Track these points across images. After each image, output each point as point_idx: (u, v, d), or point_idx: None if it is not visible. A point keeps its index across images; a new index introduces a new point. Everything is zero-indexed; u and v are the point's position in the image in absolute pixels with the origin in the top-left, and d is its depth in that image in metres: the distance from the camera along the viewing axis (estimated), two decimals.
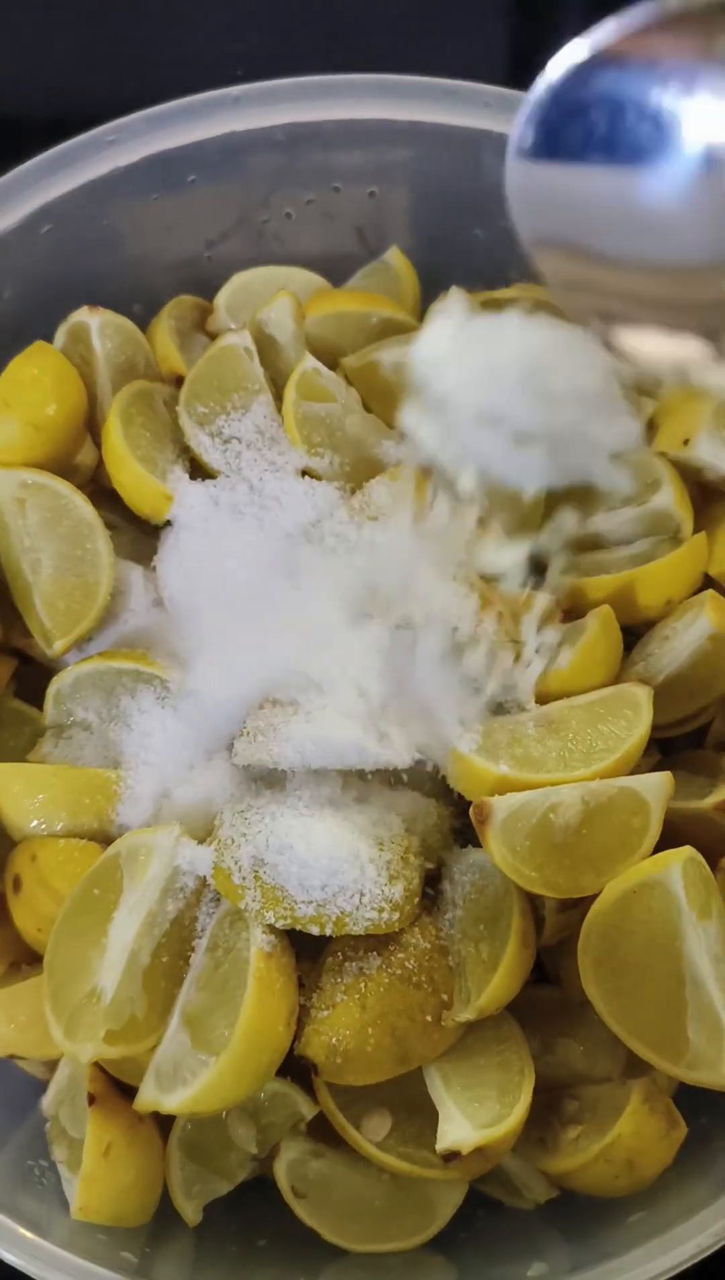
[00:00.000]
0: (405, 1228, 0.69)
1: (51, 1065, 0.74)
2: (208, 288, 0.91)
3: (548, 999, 0.73)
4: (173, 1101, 0.64)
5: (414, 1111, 0.69)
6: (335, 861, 0.65)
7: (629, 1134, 0.65)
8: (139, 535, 0.83)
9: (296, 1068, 0.67)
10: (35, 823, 0.72)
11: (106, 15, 1.19)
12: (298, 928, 0.65)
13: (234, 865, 0.66)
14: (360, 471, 0.79)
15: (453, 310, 0.82)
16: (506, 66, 1.25)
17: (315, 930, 0.65)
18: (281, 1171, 0.70)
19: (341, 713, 0.68)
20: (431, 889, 0.71)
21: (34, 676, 0.82)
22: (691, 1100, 0.68)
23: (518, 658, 0.71)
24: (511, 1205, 0.72)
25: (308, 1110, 0.69)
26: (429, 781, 0.73)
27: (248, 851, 0.66)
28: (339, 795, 0.69)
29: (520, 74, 1.25)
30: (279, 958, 0.66)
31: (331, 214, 0.90)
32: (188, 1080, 0.63)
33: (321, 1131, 0.70)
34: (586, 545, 0.82)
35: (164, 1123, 0.70)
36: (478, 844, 0.68)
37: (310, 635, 0.72)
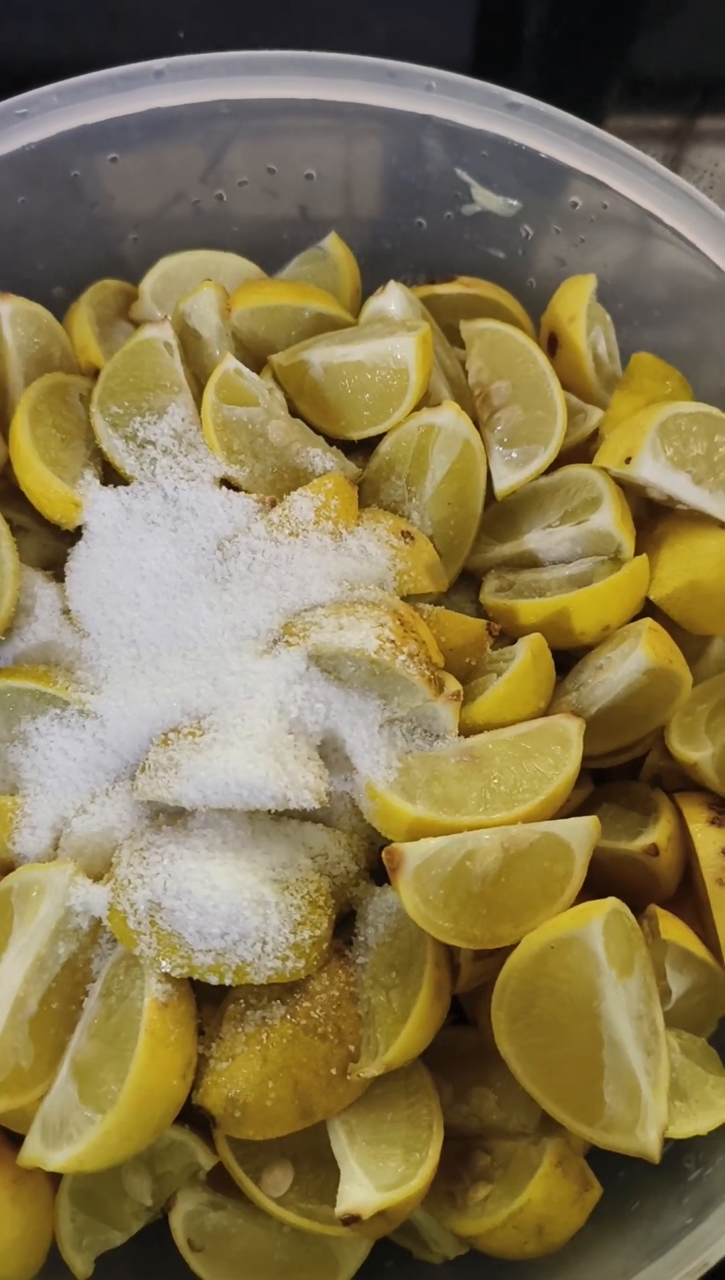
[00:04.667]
0: None
1: None
2: (133, 269, 0.85)
3: (465, 1042, 0.70)
4: (58, 1159, 0.60)
5: (318, 1163, 0.65)
6: (236, 908, 0.61)
7: (539, 1199, 0.62)
8: (50, 539, 0.78)
9: (195, 1115, 0.64)
10: None
11: None
12: (195, 976, 0.61)
13: (130, 908, 0.62)
14: (283, 481, 0.74)
15: (390, 307, 0.78)
16: (472, 33, 1.19)
17: (214, 980, 0.61)
18: (177, 1224, 0.66)
19: (250, 746, 0.63)
20: (342, 930, 0.68)
21: None
22: (609, 1153, 0.65)
23: (439, 688, 0.67)
24: (420, 1258, 0.69)
25: (206, 1161, 0.66)
26: (344, 815, 0.69)
27: (144, 895, 0.62)
28: (245, 833, 0.65)
29: (459, 43, 1.19)
30: (175, 1007, 0.62)
31: (268, 197, 0.85)
32: (74, 1137, 0.60)
33: (221, 1180, 0.67)
34: (522, 563, 0.78)
35: (54, 1173, 0.66)
36: None
37: (221, 659, 0.68)
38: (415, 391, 0.74)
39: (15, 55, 1.06)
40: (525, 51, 1.23)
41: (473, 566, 0.79)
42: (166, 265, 0.85)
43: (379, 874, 0.71)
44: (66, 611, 0.74)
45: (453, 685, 0.68)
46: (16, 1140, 0.64)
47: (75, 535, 0.76)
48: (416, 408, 0.75)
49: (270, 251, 0.86)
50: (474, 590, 0.79)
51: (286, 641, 0.67)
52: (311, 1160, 0.66)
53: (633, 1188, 0.67)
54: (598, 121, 0.76)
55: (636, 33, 1.27)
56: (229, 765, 0.62)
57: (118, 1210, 0.67)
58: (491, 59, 1.20)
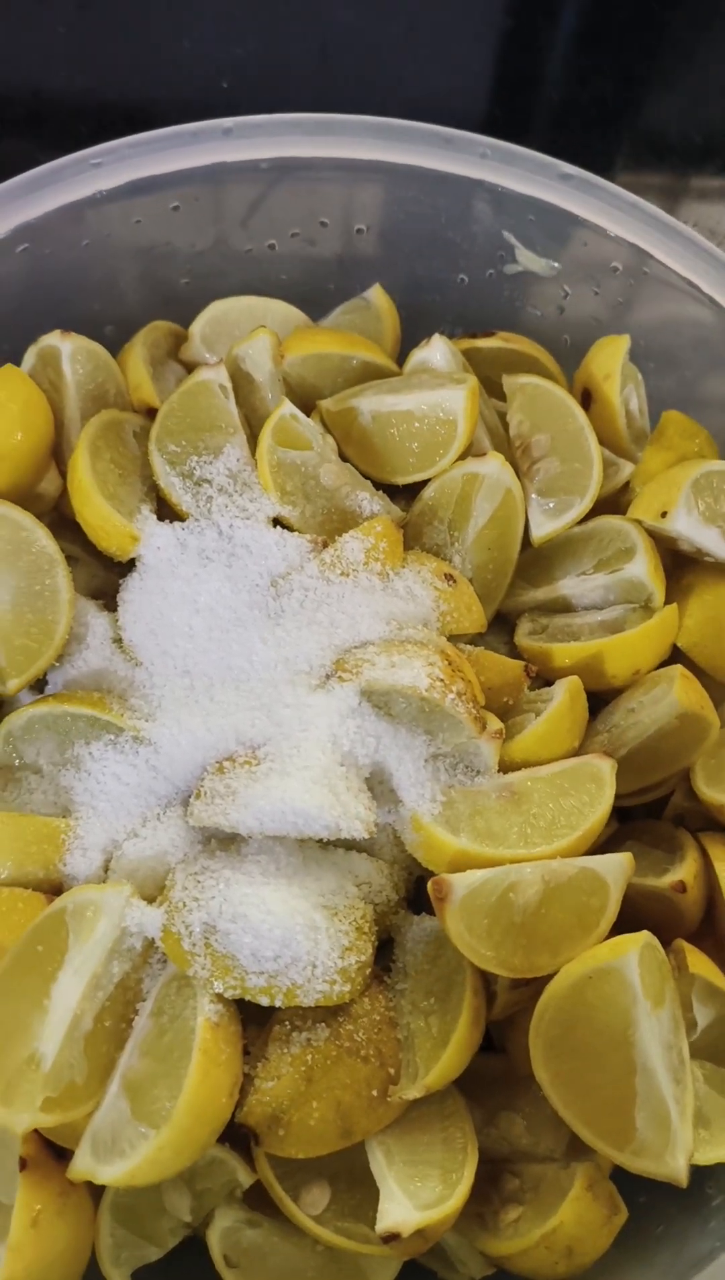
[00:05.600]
0: None
1: None
2: (183, 313, 0.89)
3: (493, 1068, 0.72)
4: (109, 1173, 0.62)
5: (354, 1183, 0.67)
6: (289, 932, 0.63)
7: (571, 1221, 0.64)
8: (100, 569, 0.81)
9: (235, 1133, 0.66)
10: None
11: (99, 11, 1.15)
12: (247, 998, 0.64)
13: (185, 930, 0.64)
14: (332, 522, 0.77)
15: (434, 359, 0.82)
16: (489, 92, 1.24)
17: (265, 1001, 0.64)
18: (215, 1239, 0.68)
19: (306, 777, 0.66)
20: (380, 956, 0.70)
21: None
22: (631, 1178, 0.68)
23: (482, 726, 0.70)
24: (446, 1279, 0.71)
25: (245, 1178, 0.68)
26: (387, 845, 0.72)
27: (200, 917, 0.64)
28: (296, 861, 0.68)
29: (502, 100, 1.24)
30: (226, 1027, 0.64)
31: (316, 247, 0.88)
32: (126, 1152, 0.62)
33: (257, 1198, 0.69)
34: (555, 607, 0.81)
35: (96, 1187, 0.68)
36: (430, 910, 0.67)
37: (275, 692, 0.70)
38: (462, 441, 0.77)
39: (64, 100, 1.10)
40: (539, 110, 1.28)
41: (506, 609, 0.82)
42: (216, 309, 0.88)
43: (415, 903, 0.74)
44: (117, 640, 0.76)
45: (495, 724, 0.71)
46: (61, 1154, 0.66)
47: (124, 566, 0.79)
48: (461, 456, 0.78)
49: (315, 299, 0.90)
50: (508, 632, 0.82)
51: (340, 677, 0.70)
52: (347, 1180, 0.68)
53: (655, 1212, 0.69)
54: (609, 178, 0.80)
55: (648, 93, 1.32)
56: (286, 795, 0.65)
57: (156, 1226, 0.68)
58: (507, 116, 1.24)
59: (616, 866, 0.67)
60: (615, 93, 1.26)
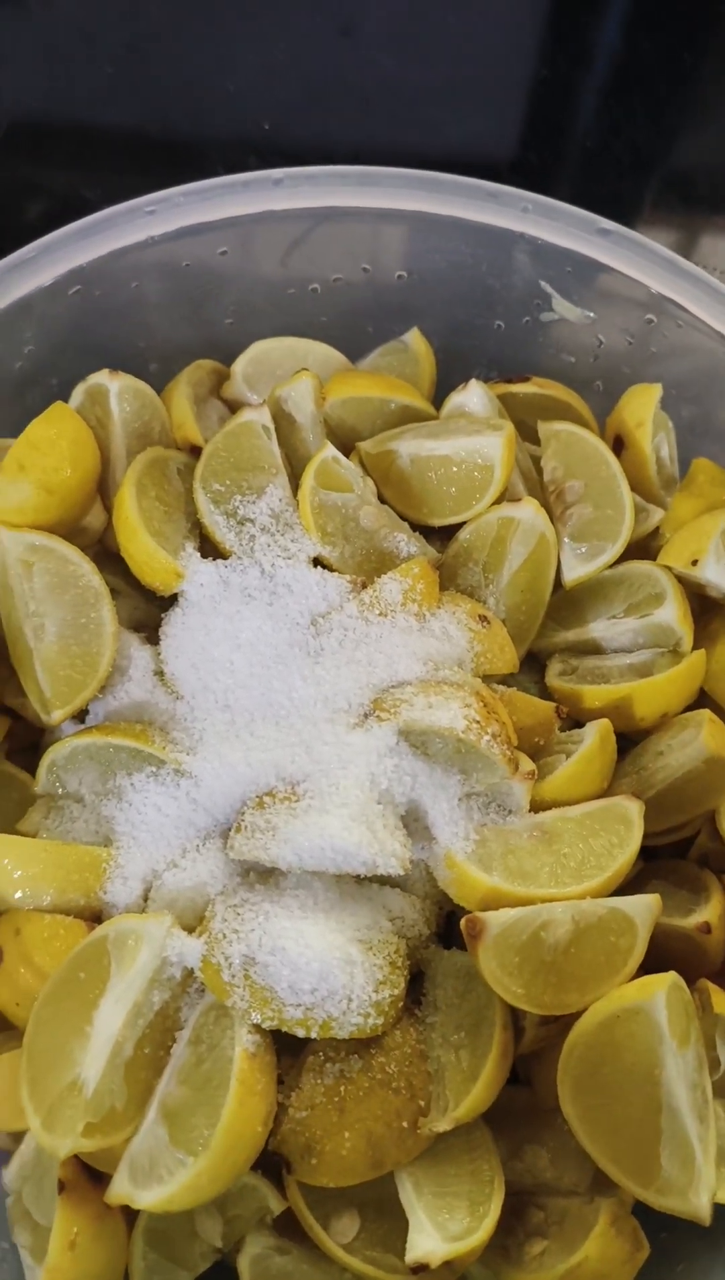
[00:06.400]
0: None
1: (16, 1136, 0.73)
2: (225, 352, 0.91)
3: (518, 1101, 0.74)
4: (147, 1199, 0.63)
5: (383, 1212, 0.69)
6: (327, 966, 0.65)
7: (595, 1257, 0.65)
8: (141, 602, 0.83)
9: (267, 1161, 0.67)
10: (20, 894, 0.71)
11: (146, 52, 1.18)
12: (283, 1029, 0.65)
13: (224, 961, 0.66)
14: (370, 562, 0.79)
15: (471, 403, 0.84)
16: (522, 137, 1.26)
17: (301, 1033, 0.65)
18: (244, 1265, 0.69)
19: (345, 814, 0.68)
20: (411, 989, 0.72)
21: (20, 734, 0.81)
22: (652, 1214, 0.69)
23: (515, 767, 0.72)
24: None
25: (276, 1206, 0.69)
26: (419, 880, 0.74)
27: (239, 949, 0.66)
28: (334, 895, 0.69)
29: (529, 144, 1.27)
30: (262, 1057, 0.66)
31: (356, 291, 0.90)
32: (164, 1178, 0.63)
33: (287, 1225, 0.70)
34: (585, 649, 0.83)
35: (130, 1210, 0.69)
36: (459, 945, 0.69)
37: (315, 729, 0.72)
38: (498, 486, 0.79)
39: (109, 137, 1.13)
40: (570, 155, 1.30)
41: (536, 649, 0.84)
42: (258, 349, 0.90)
43: (444, 937, 0.76)
44: (158, 673, 0.78)
45: (527, 765, 0.73)
46: (97, 1177, 0.67)
47: (165, 599, 0.81)
48: (497, 501, 0.80)
49: (353, 340, 0.92)
50: (537, 671, 0.84)
51: (378, 716, 0.71)
52: (376, 1209, 0.69)
53: (677, 1250, 0.70)
54: (633, 223, 0.82)
55: (676, 139, 1.35)
56: (325, 831, 0.66)
57: (187, 1250, 0.70)
58: (539, 161, 1.27)
59: (644, 908, 0.68)
60: (645, 139, 1.29)
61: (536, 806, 0.74)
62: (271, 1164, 0.68)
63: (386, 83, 1.17)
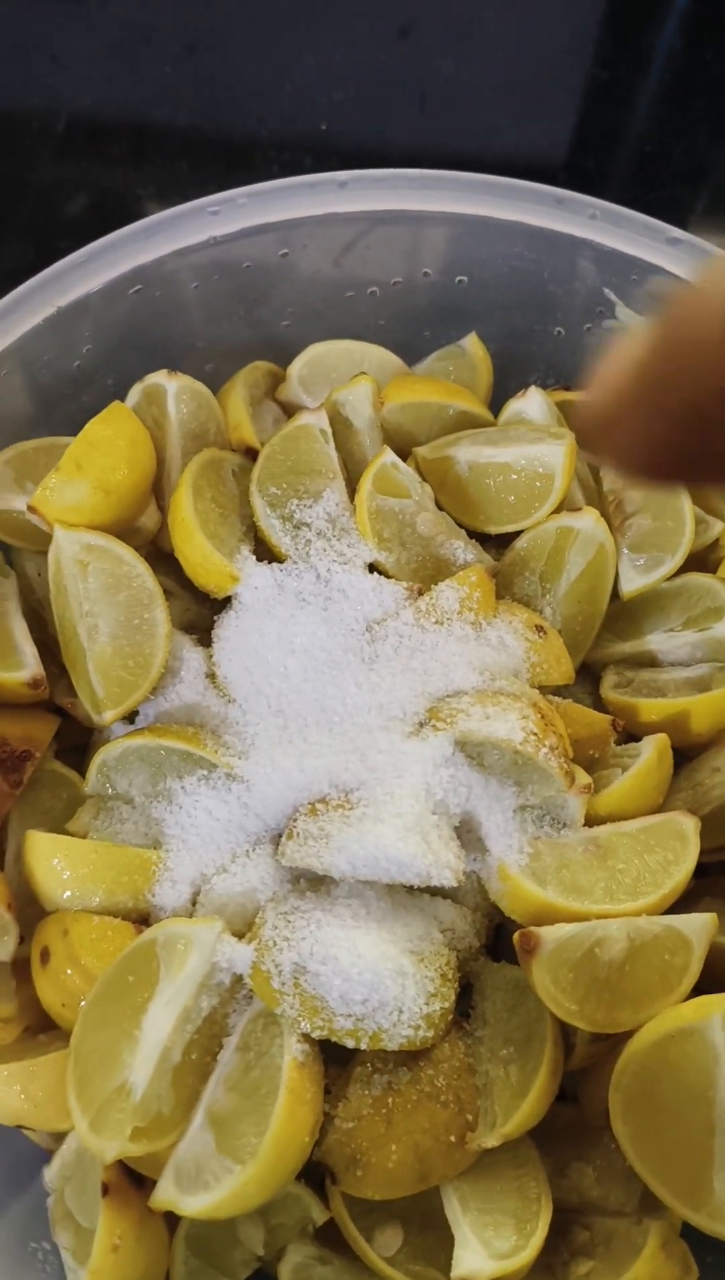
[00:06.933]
0: None
1: (58, 1136, 0.73)
2: (282, 353, 0.90)
3: (565, 1118, 0.73)
4: (193, 1205, 0.63)
5: (426, 1226, 0.68)
6: (378, 976, 0.64)
7: (644, 1279, 0.64)
8: (193, 604, 0.83)
9: (311, 1170, 0.67)
10: (69, 894, 0.71)
11: (204, 53, 1.18)
12: (333, 1039, 0.65)
13: (274, 969, 0.65)
14: (426, 569, 0.79)
15: (530, 410, 0.83)
16: (577, 140, 1.25)
17: (350, 1043, 0.65)
18: (285, 1274, 0.69)
19: (399, 824, 0.67)
20: (460, 1002, 0.71)
21: (69, 734, 0.81)
22: (698, 1237, 0.68)
23: (572, 780, 0.71)
24: None
25: (319, 1216, 0.69)
26: (471, 892, 0.73)
27: (290, 957, 0.65)
28: (386, 905, 0.69)
29: (584, 147, 1.26)
30: (311, 1067, 0.65)
31: (416, 295, 0.90)
32: (210, 1185, 0.63)
33: (329, 1236, 0.70)
34: (641, 661, 0.82)
35: (171, 1216, 0.69)
36: (510, 958, 0.68)
37: (369, 737, 0.72)
38: (558, 495, 0.78)
39: (167, 137, 1.12)
40: (624, 159, 1.29)
41: (591, 660, 0.83)
42: (314, 351, 0.90)
43: (493, 949, 0.75)
44: (210, 675, 0.78)
45: (583, 778, 0.72)
46: (140, 1181, 0.67)
47: (217, 601, 0.80)
48: (556, 510, 0.79)
49: (410, 344, 0.91)
50: (591, 682, 0.83)
51: (434, 726, 0.71)
52: (419, 1223, 0.69)
53: (722, 1274, 0.69)
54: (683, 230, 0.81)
55: None
56: (380, 841, 0.66)
57: (228, 1257, 0.69)
58: (596, 164, 1.26)
59: (701, 927, 0.67)
60: (704, 146, 1.28)
61: (591, 821, 0.73)
62: (316, 1173, 0.68)
63: (443, 84, 1.17)
